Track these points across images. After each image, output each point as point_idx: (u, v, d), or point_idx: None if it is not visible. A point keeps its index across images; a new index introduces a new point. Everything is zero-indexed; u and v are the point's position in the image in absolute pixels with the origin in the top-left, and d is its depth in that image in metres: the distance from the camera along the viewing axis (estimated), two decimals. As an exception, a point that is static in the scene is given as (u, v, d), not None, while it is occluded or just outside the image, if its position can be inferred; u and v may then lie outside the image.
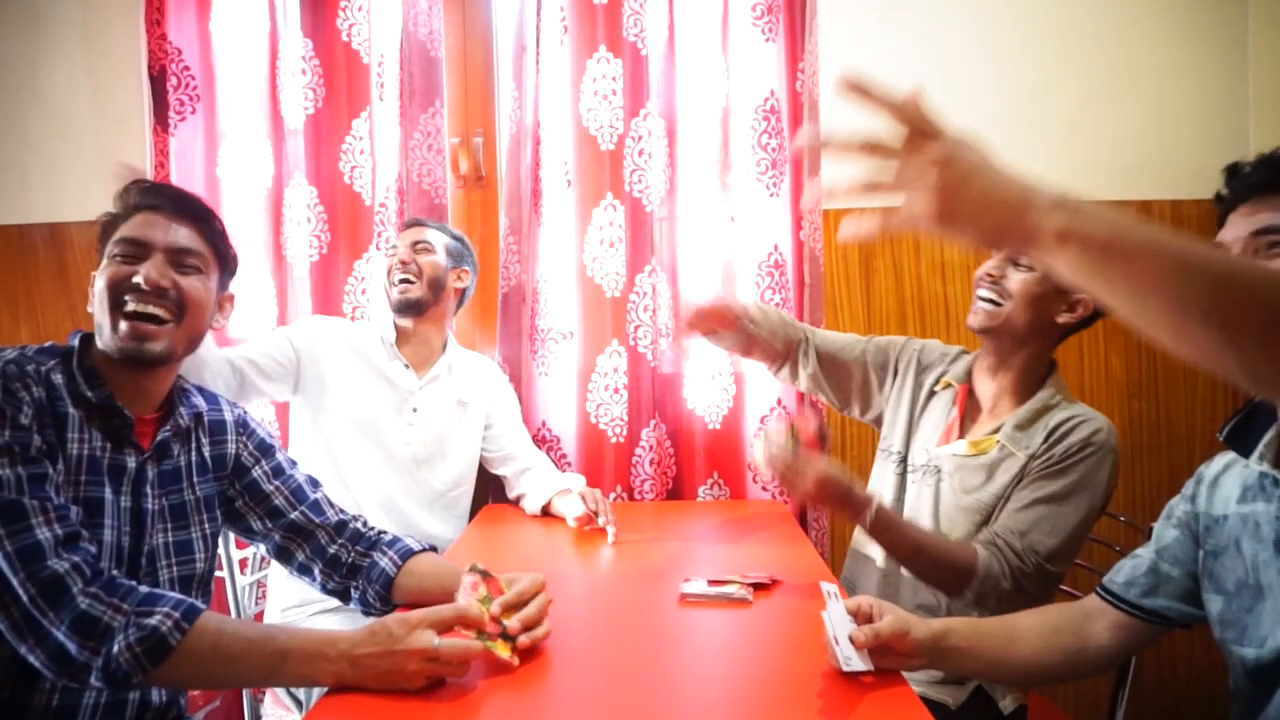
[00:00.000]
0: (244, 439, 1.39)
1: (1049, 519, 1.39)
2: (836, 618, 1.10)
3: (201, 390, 1.38)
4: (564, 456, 2.28)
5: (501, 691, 1.10)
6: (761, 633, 1.31)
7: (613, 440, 2.25)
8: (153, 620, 1.02)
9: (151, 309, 1.20)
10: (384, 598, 1.37)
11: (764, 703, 1.03)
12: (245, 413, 1.43)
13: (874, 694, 1.04)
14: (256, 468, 1.39)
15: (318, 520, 1.41)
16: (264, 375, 1.91)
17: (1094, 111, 2.23)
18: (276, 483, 1.40)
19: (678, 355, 1.85)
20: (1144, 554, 1.18)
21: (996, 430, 1.51)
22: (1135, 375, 2.27)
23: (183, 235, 1.26)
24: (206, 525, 1.31)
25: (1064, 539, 1.39)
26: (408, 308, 2.03)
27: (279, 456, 1.43)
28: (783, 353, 1.80)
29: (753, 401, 2.27)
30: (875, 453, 1.75)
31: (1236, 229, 0.97)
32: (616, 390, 2.25)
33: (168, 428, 1.27)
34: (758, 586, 1.44)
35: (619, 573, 1.64)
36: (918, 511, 1.59)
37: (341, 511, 1.44)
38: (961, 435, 1.57)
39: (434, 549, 1.45)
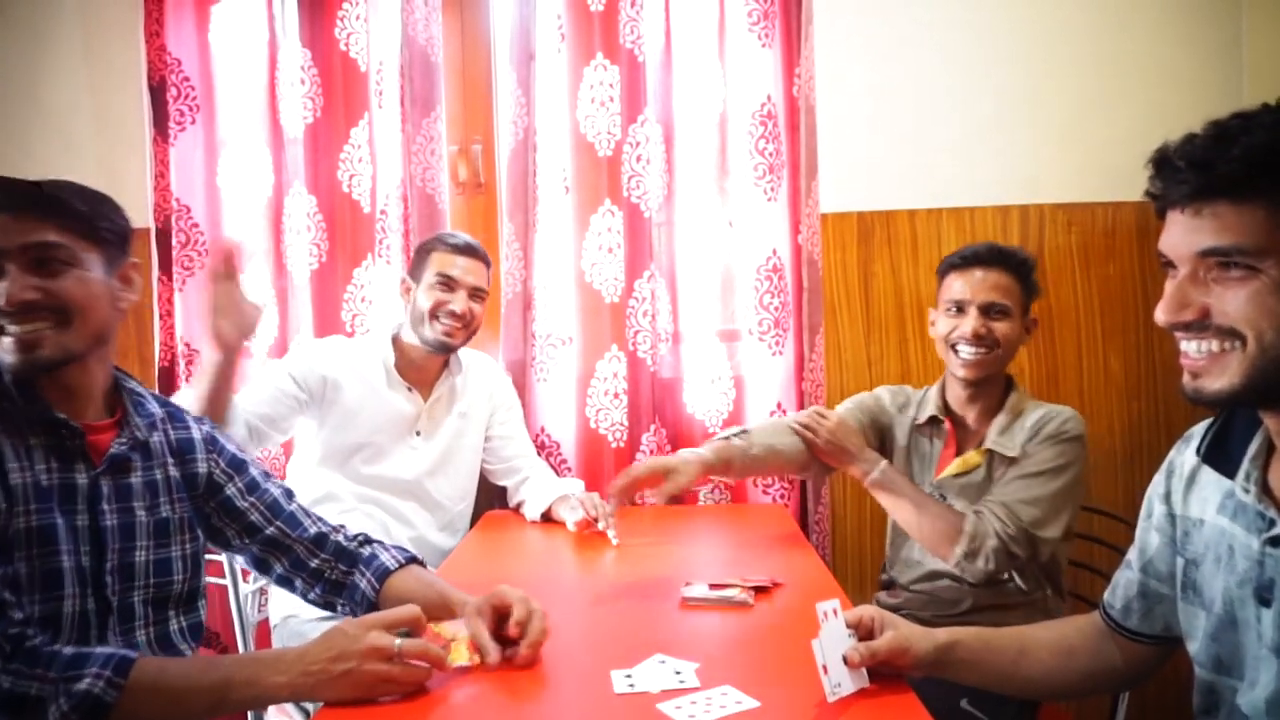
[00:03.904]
0: (214, 456, 1.33)
1: (1027, 489, 1.57)
2: (828, 641, 1.07)
3: (161, 399, 1.31)
4: (564, 462, 2.28)
5: (502, 697, 1.10)
6: (763, 635, 1.32)
7: (613, 445, 2.25)
8: (83, 684, 0.96)
9: (28, 327, 1.08)
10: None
11: (765, 706, 1.04)
12: (214, 428, 1.38)
13: (876, 700, 1.04)
14: (229, 485, 1.34)
15: (294, 534, 1.37)
16: (275, 425, 1.88)
17: (1089, 114, 2.24)
18: (251, 499, 1.36)
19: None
20: (1134, 565, 1.11)
21: (981, 446, 1.68)
22: (1135, 376, 2.27)
23: (37, 233, 1.10)
24: (188, 545, 1.27)
25: (1045, 508, 1.55)
26: (444, 350, 1.99)
27: (252, 471, 1.38)
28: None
29: (753, 405, 2.28)
30: None
31: (1179, 244, 0.86)
32: (616, 395, 2.26)
33: (122, 439, 1.19)
34: (759, 589, 1.45)
35: (620, 577, 1.64)
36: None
37: (320, 522, 1.41)
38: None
39: (416, 559, 1.41)
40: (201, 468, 1.31)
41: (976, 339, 1.63)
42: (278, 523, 1.37)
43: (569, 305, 2.28)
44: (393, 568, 1.36)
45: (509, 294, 2.29)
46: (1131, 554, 1.13)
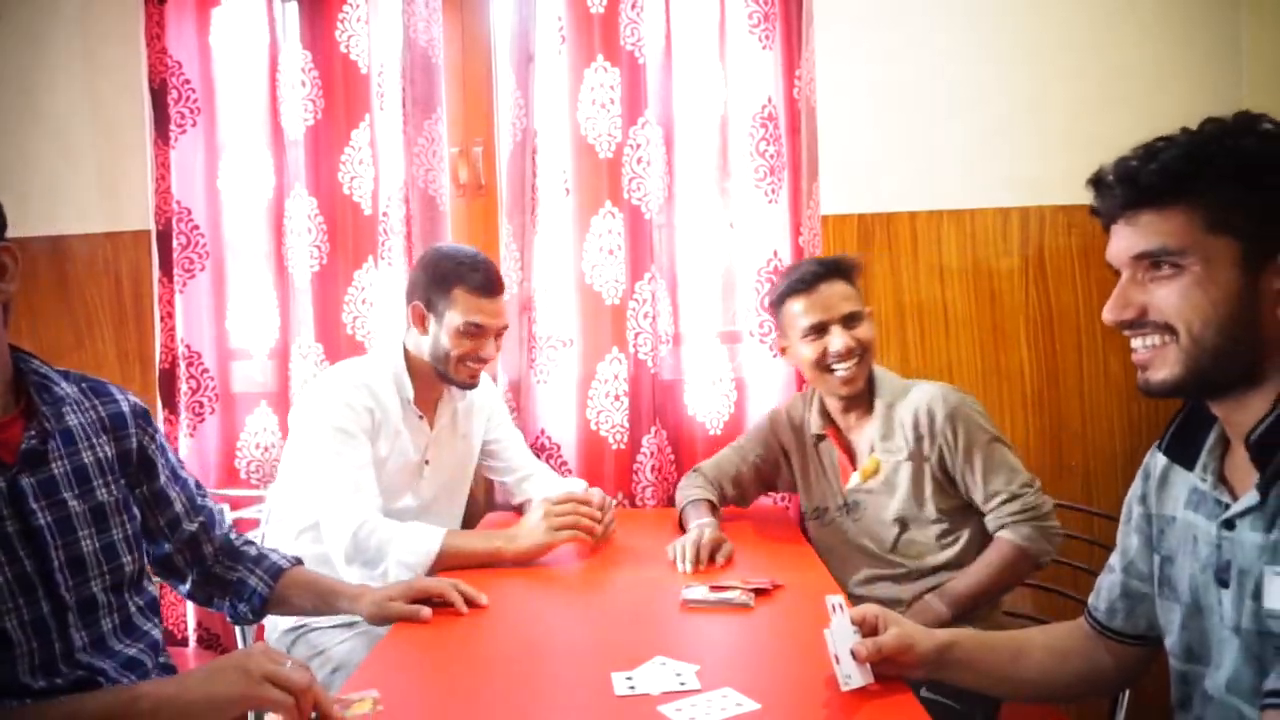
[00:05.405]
0: (147, 429, 1.26)
1: (1004, 465, 1.66)
2: (839, 633, 1.08)
3: (78, 375, 1.22)
4: (564, 464, 2.28)
5: (499, 695, 1.10)
6: (763, 638, 1.32)
7: (613, 447, 2.25)
8: None
9: None
10: (257, 611, 1.38)
11: (766, 708, 1.04)
12: (140, 401, 1.29)
13: (876, 701, 1.04)
14: (161, 467, 1.28)
15: (211, 534, 1.36)
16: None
17: (1090, 116, 2.23)
18: (176, 488, 1.31)
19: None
20: (1115, 569, 1.15)
21: (871, 450, 1.75)
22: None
23: None
24: (128, 526, 1.20)
25: (1013, 462, 1.67)
26: (469, 389, 1.92)
27: (171, 455, 1.33)
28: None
29: (754, 408, 2.27)
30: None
31: (1118, 251, 0.96)
32: (617, 397, 2.26)
33: (31, 431, 1.09)
34: (759, 592, 1.45)
35: (620, 578, 1.64)
36: (840, 544, 1.80)
37: (223, 523, 1.40)
38: (853, 469, 1.80)
39: (299, 561, 1.45)
40: (133, 442, 1.23)
41: (849, 353, 1.68)
42: (199, 520, 1.35)
43: (569, 307, 2.28)
44: (285, 566, 1.38)
45: (507, 296, 2.28)
46: (1114, 558, 1.17)
